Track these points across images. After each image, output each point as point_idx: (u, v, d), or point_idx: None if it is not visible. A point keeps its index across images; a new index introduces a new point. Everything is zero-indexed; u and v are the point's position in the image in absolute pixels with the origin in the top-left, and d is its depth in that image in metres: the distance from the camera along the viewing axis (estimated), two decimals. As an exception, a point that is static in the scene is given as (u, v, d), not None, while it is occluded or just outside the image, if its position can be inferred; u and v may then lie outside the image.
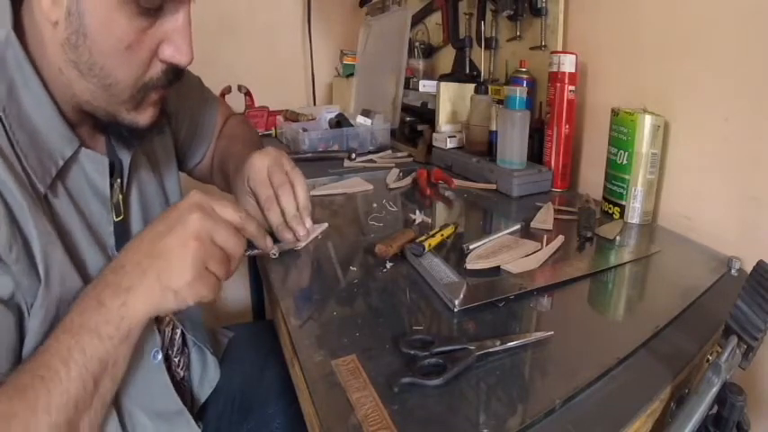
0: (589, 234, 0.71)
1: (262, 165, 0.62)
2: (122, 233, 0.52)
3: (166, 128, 0.66)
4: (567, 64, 0.89)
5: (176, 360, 0.61)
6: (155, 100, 0.48)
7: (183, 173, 0.77)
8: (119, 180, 0.53)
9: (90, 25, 0.40)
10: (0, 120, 0.40)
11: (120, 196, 0.53)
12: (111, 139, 0.53)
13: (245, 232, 0.47)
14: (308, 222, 0.63)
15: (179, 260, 0.41)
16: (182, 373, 0.62)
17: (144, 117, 0.48)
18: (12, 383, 0.37)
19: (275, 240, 0.58)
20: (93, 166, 0.49)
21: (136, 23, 0.41)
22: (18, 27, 0.42)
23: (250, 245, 0.50)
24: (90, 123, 0.50)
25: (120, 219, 0.52)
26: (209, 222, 0.42)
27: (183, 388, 0.62)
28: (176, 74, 0.47)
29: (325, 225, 0.73)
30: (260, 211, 0.63)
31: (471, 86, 1.08)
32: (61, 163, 0.45)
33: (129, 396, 0.50)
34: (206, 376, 0.66)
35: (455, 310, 0.51)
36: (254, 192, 0.63)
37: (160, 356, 0.54)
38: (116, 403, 0.49)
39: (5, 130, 0.40)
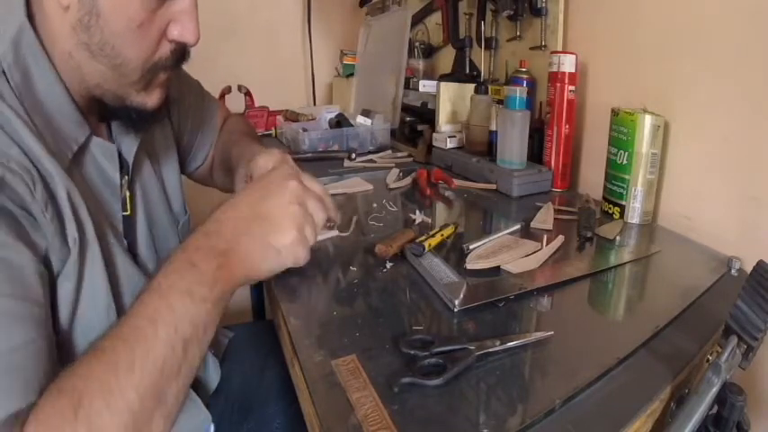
0: (589, 234, 0.71)
1: (265, 164, 0.63)
2: (129, 228, 0.52)
3: (168, 125, 0.66)
4: (567, 64, 0.89)
5: None
6: (162, 81, 0.49)
7: (184, 175, 0.77)
8: (125, 177, 0.53)
9: (103, 5, 0.41)
10: (20, 103, 0.40)
11: (128, 193, 0.53)
12: (114, 131, 0.53)
13: (325, 204, 0.50)
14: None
15: (285, 221, 0.44)
16: None
17: (152, 99, 0.49)
18: (93, 347, 0.36)
19: None
20: (103, 154, 0.49)
21: (147, 3, 0.42)
22: (29, 18, 0.43)
23: None
24: (96, 115, 0.51)
25: (127, 214, 0.53)
26: (304, 190, 0.46)
27: None
28: (183, 54, 0.49)
29: (336, 231, 0.72)
30: None
31: (471, 86, 1.08)
32: (75, 148, 0.45)
33: None
34: (206, 377, 0.66)
35: (455, 310, 0.51)
36: None
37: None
38: None
39: (26, 113, 0.40)
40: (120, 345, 0.36)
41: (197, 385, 0.65)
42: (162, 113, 0.52)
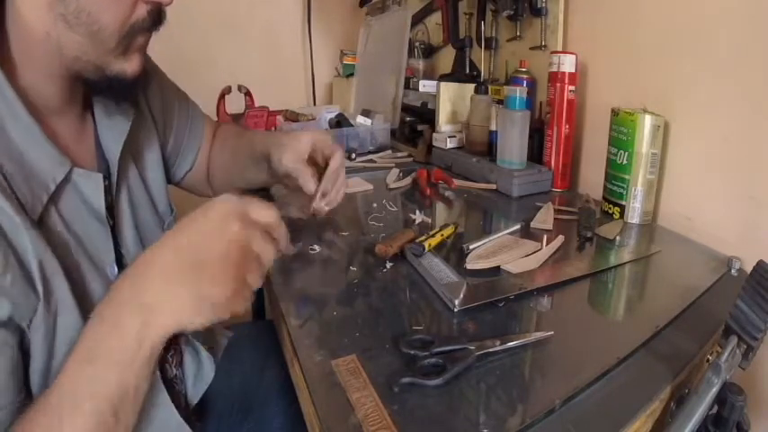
0: (589, 234, 0.71)
1: (313, 137, 0.70)
2: (115, 238, 0.51)
3: (151, 125, 0.66)
4: (567, 64, 0.89)
5: (169, 357, 0.61)
6: (141, 44, 0.49)
7: (174, 185, 0.77)
8: (107, 182, 0.52)
9: None
10: None
11: (110, 199, 0.52)
12: (97, 120, 0.53)
13: (277, 234, 0.45)
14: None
15: (220, 273, 0.38)
16: (174, 371, 0.62)
17: (131, 65, 0.49)
18: (24, 418, 0.35)
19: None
20: (87, 184, 0.48)
21: None
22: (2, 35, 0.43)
23: None
24: (79, 104, 0.51)
25: (111, 225, 0.51)
26: (248, 230, 0.40)
27: (175, 386, 0.62)
28: (159, 15, 0.48)
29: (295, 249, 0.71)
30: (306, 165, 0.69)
31: (471, 86, 1.08)
32: (53, 187, 0.44)
33: None
34: (200, 375, 0.66)
35: (455, 310, 0.51)
36: (314, 149, 0.70)
37: (158, 373, 0.54)
38: None
39: None
40: (53, 419, 0.35)
41: (186, 392, 0.65)
42: (141, 83, 0.51)
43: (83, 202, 0.48)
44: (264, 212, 0.43)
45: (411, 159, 1.18)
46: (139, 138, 0.62)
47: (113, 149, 0.54)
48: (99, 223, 0.49)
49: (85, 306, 0.44)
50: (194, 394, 0.65)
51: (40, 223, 0.42)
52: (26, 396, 0.39)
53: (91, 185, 0.48)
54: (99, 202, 0.49)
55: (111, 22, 0.44)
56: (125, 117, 0.55)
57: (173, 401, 0.56)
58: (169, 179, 0.72)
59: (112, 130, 0.54)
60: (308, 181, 0.68)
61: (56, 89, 0.47)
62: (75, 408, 0.35)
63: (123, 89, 0.50)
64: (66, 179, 0.46)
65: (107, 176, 0.53)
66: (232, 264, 0.39)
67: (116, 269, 0.50)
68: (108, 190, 0.53)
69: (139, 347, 0.37)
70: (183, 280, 0.38)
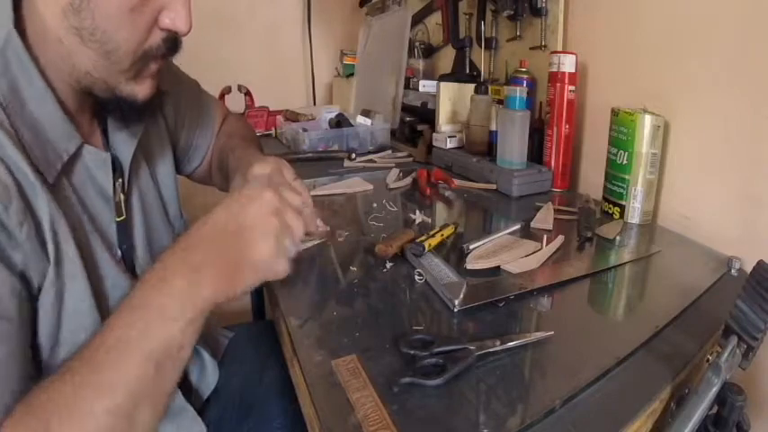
0: (589, 234, 0.71)
1: (262, 172, 0.63)
2: (124, 234, 0.52)
3: (163, 125, 0.66)
4: (567, 64, 0.89)
5: None
6: (153, 72, 0.48)
7: (183, 176, 0.77)
8: (120, 180, 0.53)
9: None
10: (5, 114, 0.40)
11: (122, 196, 0.53)
12: (110, 132, 0.53)
13: (304, 217, 0.47)
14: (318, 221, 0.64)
15: (263, 234, 0.42)
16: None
17: (142, 89, 0.48)
18: (63, 367, 0.36)
19: None
20: (95, 163, 0.49)
21: None
22: (19, 20, 0.42)
23: None
24: (89, 111, 0.50)
25: (121, 219, 0.52)
26: (282, 200, 0.44)
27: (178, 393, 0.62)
28: (175, 43, 0.48)
29: (324, 238, 0.70)
30: None
31: (471, 86, 1.08)
32: (65, 158, 0.45)
33: None
34: (203, 378, 0.66)
35: (455, 310, 0.51)
36: None
37: None
38: None
39: (11, 125, 0.40)
40: (89, 366, 0.35)
41: (191, 391, 0.65)
42: (153, 106, 0.51)
43: (90, 179, 0.48)
44: (293, 195, 0.47)
45: (411, 159, 1.18)
46: (151, 139, 0.62)
47: (125, 152, 0.54)
48: (105, 203, 0.50)
49: (94, 278, 0.45)
50: (198, 398, 0.66)
51: (55, 187, 0.43)
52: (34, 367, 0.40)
53: (100, 165, 0.49)
54: (106, 182, 0.50)
55: (125, 43, 0.44)
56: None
57: None
58: (179, 171, 0.72)
59: (123, 132, 0.54)
60: None
61: (65, 95, 0.47)
62: (123, 354, 0.36)
63: (133, 112, 0.49)
64: (78, 154, 0.47)
65: (121, 175, 0.53)
66: (268, 227, 0.42)
67: (119, 253, 0.51)
68: (122, 187, 0.53)
69: (186, 306, 0.39)
70: (229, 243, 0.41)
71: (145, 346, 0.37)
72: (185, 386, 0.63)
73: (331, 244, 0.69)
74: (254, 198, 0.43)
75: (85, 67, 0.44)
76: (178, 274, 0.39)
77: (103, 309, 0.46)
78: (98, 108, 0.51)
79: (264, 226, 0.42)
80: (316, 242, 0.69)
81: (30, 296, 0.39)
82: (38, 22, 0.42)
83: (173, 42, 0.47)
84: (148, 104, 0.50)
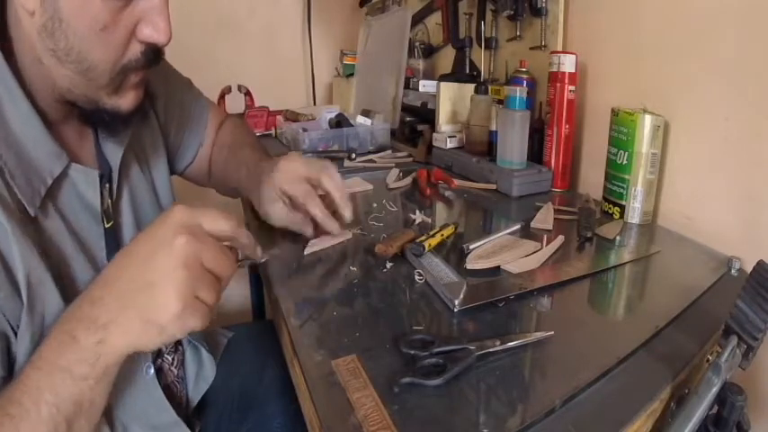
0: (589, 234, 0.71)
1: (294, 166, 0.63)
2: (113, 240, 0.51)
3: (155, 124, 0.66)
4: (567, 64, 0.89)
5: (170, 358, 0.61)
6: (135, 83, 0.47)
7: (176, 175, 0.77)
8: (107, 185, 0.52)
9: (64, 9, 0.40)
10: None
11: (110, 201, 0.52)
12: (99, 133, 0.52)
13: (236, 243, 0.43)
14: (349, 210, 0.64)
15: (164, 293, 0.37)
16: (175, 372, 0.62)
17: (125, 101, 0.48)
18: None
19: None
20: (83, 180, 0.48)
21: (110, 3, 0.41)
22: (6, 40, 0.42)
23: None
24: (77, 119, 0.50)
25: (109, 225, 0.51)
26: (196, 245, 0.38)
27: (176, 387, 0.62)
28: (155, 54, 0.47)
29: (350, 234, 0.70)
30: (294, 211, 0.65)
31: (471, 86, 1.08)
32: (50, 181, 0.44)
33: (123, 409, 0.49)
34: (201, 374, 0.66)
35: (455, 310, 0.51)
36: (289, 192, 0.64)
37: (152, 371, 0.54)
38: (111, 416, 0.48)
39: None
40: (8, 423, 0.35)
41: (187, 388, 0.65)
42: (140, 114, 0.51)
43: (78, 198, 0.48)
44: (219, 221, 0.41)
45: (411, 159, 1.18)
46: (143, 135, 0.62)
47: (114, 154, 0.54)
48: (92, 218, 0.49)
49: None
50: (195, 394, 0.66)
51: (36, 219, 0.42)
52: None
53: (87, 182, 0.48)
54: (94, 199, 0.49)
55: (102, 61, 0.43)
56: None
57: (173, 401, 0.57)
58: (171, 170, 0.72)
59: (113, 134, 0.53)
60: (305, 230, 0.66)
61: (51, 109, 0.46)
62: (35, 411, 0.36)
63: (118, 122, 0.49)
64: (64, 174, 0.46)
65: (109, 180, 0.53)
66: (176, 282, 0.37)
67: (106, 261, 0.50)
68: (109, 192, 0.53)
69: (95, 364, 0.37)
70: (136, 300, 0.37)
71: (56, 405, 0.36)
72: (180, 384, 0.63)
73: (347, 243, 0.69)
74: (163, 246, 0.38)
75: (65, 85, 0.44)
76: (86, 331, 0.37)
77: None
78: (84, 119, 0.50)
79: (171, 282, 0.37)
80: (340, 240, 0.68)
81: (7, 341, 0.39)
82: (23, 41, 0.42)
83: (153, 53, 0.46)
84: (134, 113, 0.49)
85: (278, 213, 0.65)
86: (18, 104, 0.42)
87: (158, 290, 0.37)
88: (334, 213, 0.65)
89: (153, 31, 0.44)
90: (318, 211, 0.63)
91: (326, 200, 0.65)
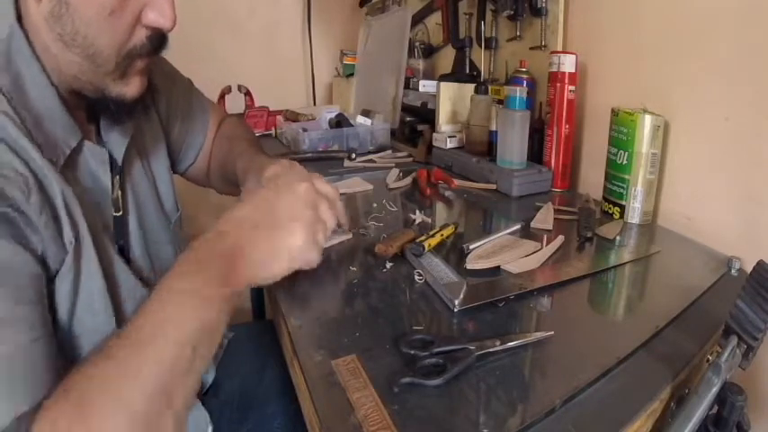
0: (589, 234, 0.71)
1: (275, 172, 0.63)
2: (120, 229, 0.52)
3: (157, 123, 0.66)
4: (567, 64, 0.89)
5: None
6: (140, 69, 0.48)
7: (177, 175, 0.77)
8: (117, 177, 0.53)
9: None
10: (11, 106, 0.40)
11: (119, 192, 0.53)
12: (102, 130, 0.53)
13: (336, 209, 0.50)
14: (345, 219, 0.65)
15: (296, 223, 0.44)
16: None
17: (131, 88, 0.48)
18: (101, 348, 0.35)
19: None
20: (94, 158, 0.49)
21: None
22: (18, 16, 0.43)
23: None
24: (83, 112, 0.50)
25: (119, 214, 0.53)
26: (315, 194, 0.47)
27: None
28: (160, 40, 0.47)
29: (350, 235, 0.70)
30: None
31: (471, 86, 1.08)
32: (68, 152, 0.45)
33: None
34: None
35: (455, 310, 0.51)
36: None
37: None
38: None
39: (17, 116, 0.40)
40: (129, 346, 0.35)
41: None
42: (143, 103, 0.51)
43: (91, 175, 0.49)
44: (326, 186, 0.50)
45: (411, 159, 1.18)
46: (145, 134, 0.62)
47: (118, 150, 0.54)
48: (105, 199, 0.50)
49: (105, 262, 0.45)
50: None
51: (64, 178, 0.43)
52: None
53: (99, 160, 0.49)
54: (107, 178, 0.50)
55: (108, 46, 0.44)
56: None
57: None
58: (172, 169, 0.73)
59: (116, 130, 0.54)
60: None
61: (62, 93, 0.47)
62: (161, 335, 0.36)
63: (123, 111, 0.49)
64: (78, 149, 0.47)
65: (117, 171, 0.54)
66: (304, 218, 0.45)
67: (117, 247, 0.51)
68: (119, 184, 0.54)
69: (220, 288, 0.40)
70: (264, 230, 0.43)
71: (183, 327, 0.37)
72: None
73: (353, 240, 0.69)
74: (290, 188, 0.46)
75: (72, 71, 0.45)
76: (214, 258, 0.40)
77: (113, 294, 0.46)
78: (90, 108, 0.51)
79: (300, 217, 0.45)
80: (344, 238, 0.69)
81: (48, 281, 0.40)
82: (32, 31, 0.43)
83: (158, 39, 0.47)
84: (138, 102, 0.50)
85: None
86: (36, 78, 0.43)
87: (289, 222, 0.44)
88: None
89: (158, 16, 0.45)
90: None
91: None
